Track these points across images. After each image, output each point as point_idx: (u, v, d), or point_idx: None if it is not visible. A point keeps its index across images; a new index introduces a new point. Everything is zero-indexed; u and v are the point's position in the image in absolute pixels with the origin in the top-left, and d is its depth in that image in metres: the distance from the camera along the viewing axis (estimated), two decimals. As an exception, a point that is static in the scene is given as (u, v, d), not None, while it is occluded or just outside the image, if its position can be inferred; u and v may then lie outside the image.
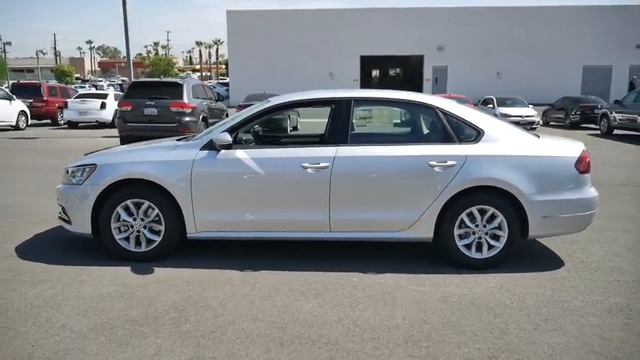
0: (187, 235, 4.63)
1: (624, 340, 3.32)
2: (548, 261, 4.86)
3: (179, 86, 12.28)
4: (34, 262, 4.61)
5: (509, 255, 4.60)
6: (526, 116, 19.72)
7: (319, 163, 4.49)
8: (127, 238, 4.64)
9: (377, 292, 4.07)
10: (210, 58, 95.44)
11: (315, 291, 4.06)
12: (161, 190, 4.55)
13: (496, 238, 4.58)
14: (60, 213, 4.99)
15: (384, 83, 43.83)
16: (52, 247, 5.08)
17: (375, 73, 45.42)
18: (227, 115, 15.87)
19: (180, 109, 11.96)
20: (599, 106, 20.49)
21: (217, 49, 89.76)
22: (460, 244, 4.57)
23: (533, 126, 19.08)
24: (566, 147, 4.71)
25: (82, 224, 4.67)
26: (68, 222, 4.79)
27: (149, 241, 4.64)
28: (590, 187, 4.68)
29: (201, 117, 12.63)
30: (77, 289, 4.02)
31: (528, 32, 34.11)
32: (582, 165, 4.60)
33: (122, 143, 12.64)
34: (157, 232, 4.64)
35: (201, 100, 13.04)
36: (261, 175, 4.52)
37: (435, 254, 4.86)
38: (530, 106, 21.53)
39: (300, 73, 34.78)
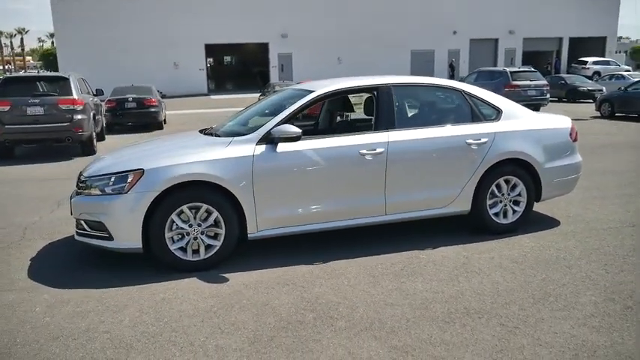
0: (249, 235, 4.39)
1: (674, 270, 4.14)
2: (543, 220, 5.62)
3: (66, 80, 10.83)
4: (76, 289, 3.97)
5: (527, 218, 5.26)
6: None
7: (375, 149, 4.60)
8: (182, 248, 4.24)
9: (455, 264, 4.37)
10: (12, 48, 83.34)
11: (405, 271, 4.21)
12: (220, 190, 4.24)
13: (517, 204, 5.18)
14: (83, 230, 4.34)
15: (230, 71, 43.40)
16: (66, 268, 4.39)
17: (221, 60, 44.57)
18: (103, 110, 14.48)
19: (72, 107, 10.59)
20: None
21: (22, 39, 78.83)
22: (491, 212, 5.09)
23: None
24: (560, 120, 5.50)
25: (130, 238, 4.13)
26: (107, 238, 4.18)
27: (207, 248, 4.30)
28: (578, 153, 5.54)
29: (92, 114, 11.38)
30: (173, 307, 3.61)
31: (363, 20, 36.54)
32: (573, 134, 5.44)
33: (-1, 148, 10.80)
34: (215, 237, 4.32)
35: (86, 95, 11.72)
36: (322, 165, 4.48)
37: (457, 225, 5.31)
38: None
39: (143, 63, 32.62)
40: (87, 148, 11.21)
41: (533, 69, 20.19)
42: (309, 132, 5.24)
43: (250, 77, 40.60)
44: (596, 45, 40.85)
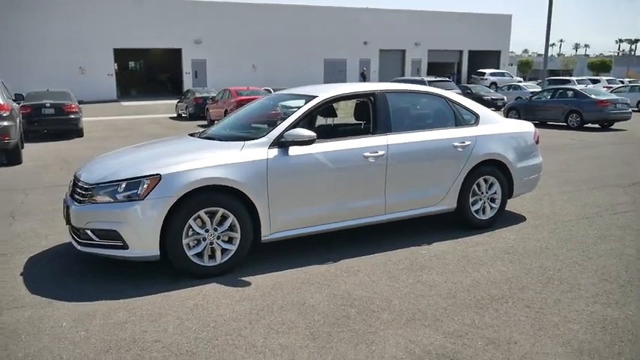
0: (262, 238, 4.40)
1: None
2: (510, 216, 6.13)
3: (-12, 84, 10.00)
4: (93, 301, 3.76)
5: (501, 214, 5.73)
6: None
7: (377, 152, 4.82)
8: (198, 254, 4.16)
9: (456, 257, 4.69)
10: None
11: (415, 266, 4.45)
12: (236, 194, 4.22)
13: (493, 201, 5.64)
14: (89, 240, 4.11)
15: (140, 77, 41.63)
16: (66, 281, 4.14)
17: (128, 66, 42.57)
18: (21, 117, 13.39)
19: (-3, 112, 9.79)
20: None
21: None
22: (473, 209, 5.50)
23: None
24: (525, 125, 6.06)
25: (147, 246, 3.98)
26: (121, 247, 4.00)
27: (223, 252, 4.26)
28: (540, 155, 6.13)
29: (18, 120, 10.55)
30: (211, 312, 3.55)
31: (278, 28, 36.84)
32: (536, 137, 6.02)
33: None
34: (230, 241, 4.29)
35: (10, 100, 10.84)
36: (330, 167, 4.61)
37: (439, 222, 5.67)
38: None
39: (45, 66, 30.48)
40: (13, 157, 10.37)
41: (447, 79, 21.55)
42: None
43: (161, 83, 39.36)
44: (491, 58, 44.34)
